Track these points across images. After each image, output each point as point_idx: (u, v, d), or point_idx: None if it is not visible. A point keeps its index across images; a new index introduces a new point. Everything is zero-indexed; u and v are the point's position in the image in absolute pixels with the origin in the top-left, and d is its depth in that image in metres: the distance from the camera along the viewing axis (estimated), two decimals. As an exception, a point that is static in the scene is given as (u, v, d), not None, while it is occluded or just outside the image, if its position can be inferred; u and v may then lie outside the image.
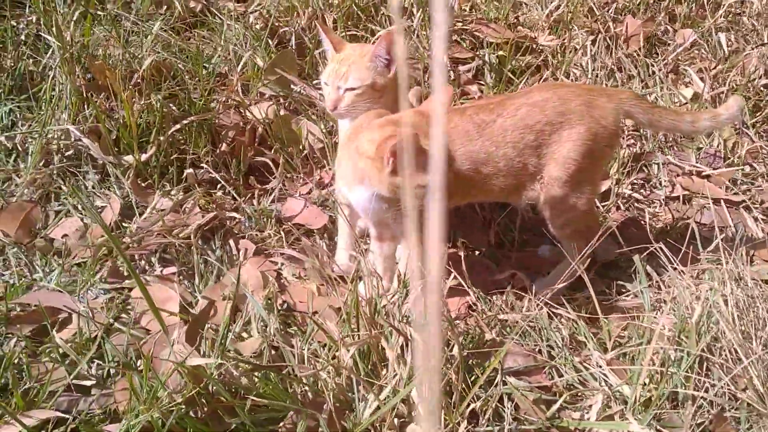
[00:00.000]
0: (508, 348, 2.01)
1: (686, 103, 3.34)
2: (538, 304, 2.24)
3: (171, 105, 2.82)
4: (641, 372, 1.87)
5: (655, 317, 2.07)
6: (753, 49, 3.48)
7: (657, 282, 2.40)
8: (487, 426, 1.81)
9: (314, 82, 3.14)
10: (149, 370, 1.82)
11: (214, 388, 1.78)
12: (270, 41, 3.22)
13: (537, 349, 2.15)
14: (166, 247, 2.51)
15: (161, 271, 2.45)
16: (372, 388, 1.79)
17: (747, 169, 3.04)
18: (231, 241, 2.57)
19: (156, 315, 1.88)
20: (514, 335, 2.13)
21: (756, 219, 2.81)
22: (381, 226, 2.29)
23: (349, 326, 1.93)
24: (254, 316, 2.21)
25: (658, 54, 3.60)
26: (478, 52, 3.38)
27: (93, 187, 2.72)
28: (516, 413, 1.94)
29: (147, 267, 2.48)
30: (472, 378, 1.93)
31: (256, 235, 2.64)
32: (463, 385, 1.84)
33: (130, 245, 2.48)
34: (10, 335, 2.17)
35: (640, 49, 3.54)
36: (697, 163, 3.05)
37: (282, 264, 2.54)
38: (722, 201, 2.85)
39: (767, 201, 2.87)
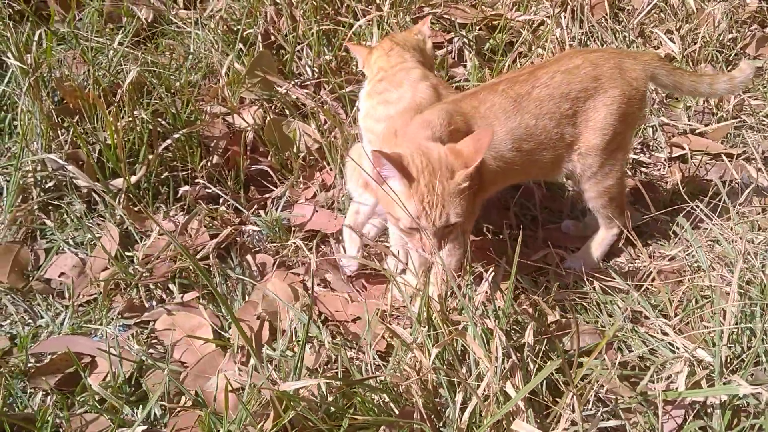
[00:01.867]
0: (580, 327, 1.94)
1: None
2: (589, 279, 2.18)
3: (159, 120, 2.62)
4: (722, 333, 1.82)
5: (721, 275, 2.03)
6: (716, 4, 3.52)
7: (686, 241, 2.39)
8: (588, 410, 1.73)
9: (297, 81, 3.00)
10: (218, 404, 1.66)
11: (294, 413, 1.63)
12: (242, 45, 3.05)
13: (599, 325, 2.09)
14: (180, 272, 2.32)
15: (182, 298, 2.27)
16: (459, 387, 1.69)
17: (736, 122, 3.07)
18: (249, 257, 2.41)
19: (247, 341, 1.76)
20: (575, 314, 2.06)
21: (759, 170, 2.83)
22: None
23: (420, 326, 1.81)
24: (296, 331, 2.07)
25: (621, 20, 3.61)
26: (454, 34, 3.30)
27: (81, 218, 2.49)
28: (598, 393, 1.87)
29: (165, 296, 2.29)
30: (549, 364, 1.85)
31: (271, 247, 2.48)
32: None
33: (144, 274, 2.28)
34: (33, 390, 1.96)
35: (606, 16, 3.54)
36: (689, 121, 3.07)
37: (305, 274, 2.39)
38: (723, 155, 2.86)
39: (766, 150, 2.90)
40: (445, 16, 3.41)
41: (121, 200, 2.51)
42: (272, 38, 3.20)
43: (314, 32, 3.09)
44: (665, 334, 2.01)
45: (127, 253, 2.38)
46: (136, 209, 2.54)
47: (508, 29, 3.34)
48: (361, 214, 2.39)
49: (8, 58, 2.63)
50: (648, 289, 2.23)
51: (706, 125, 3.04)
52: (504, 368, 1.66)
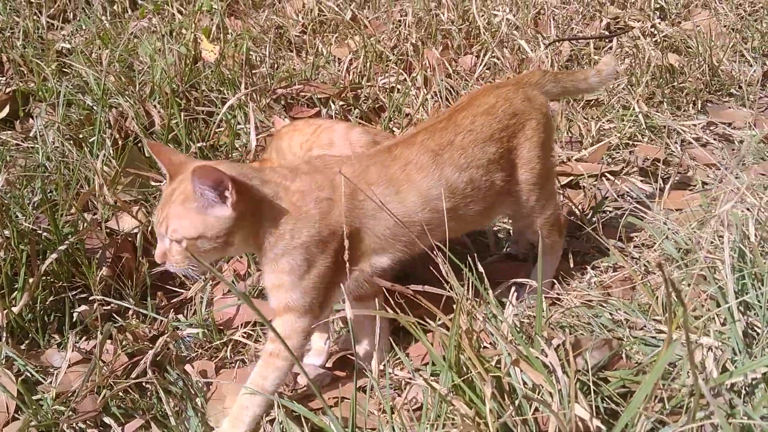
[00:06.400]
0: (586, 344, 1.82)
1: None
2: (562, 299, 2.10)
3: (37, 232, 2.20)
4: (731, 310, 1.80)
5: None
6: (545, 49, 3.75)
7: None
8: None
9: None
10: None
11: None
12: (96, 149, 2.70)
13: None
14: (112, 399, 1.89)
15: (122, 430, 1.83)
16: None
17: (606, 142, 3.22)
18: (187, 367, 2.03)
19: None
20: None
21: (641, 181, 2.98)
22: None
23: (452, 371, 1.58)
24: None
25: (464, 77, 3.72)
26: (320, 108, 3.19)
27: (-47, 373, 1.98)
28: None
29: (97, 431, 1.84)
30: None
31: (204, 352, 2.13)
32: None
33: (67, 415, 1.82)
34: None
35: (449, 76, 3.64)
36: (562, 150, 3.17)
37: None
38: (606, 174, 2.97)
39: (635, 162, 3.07)
40: (302, 93, 3.31)
41: (3, 338, 2.03)
42: (120, 142, 2.87)
43: (179, 124, 2.83)
44: (660, 331, 1.95)
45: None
46: (23, 347, 2.08)
47: (372, 96, 3.31)
48: None
49: None
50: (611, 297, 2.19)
51: (585, 149, 3.16)
52: (567, 390, 1.48)
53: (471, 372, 1.57)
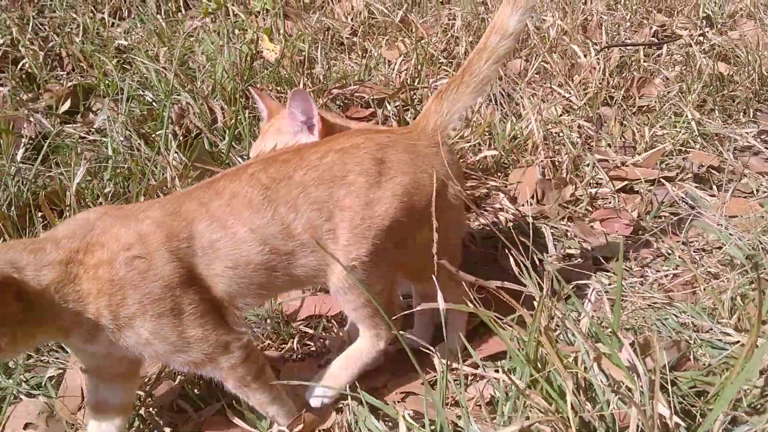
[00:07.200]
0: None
1: (561, 115, 3.49)
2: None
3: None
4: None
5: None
6: (596, 55, 3.77)
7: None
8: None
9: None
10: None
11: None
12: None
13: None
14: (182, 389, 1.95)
15: (199, 416, 1.89)
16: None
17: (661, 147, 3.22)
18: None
19: None
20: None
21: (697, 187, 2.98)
22: None
23: (529, 365, 1.62)
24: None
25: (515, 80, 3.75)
26: (375, 109, 3.24)
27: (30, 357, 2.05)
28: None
29: (174, 416, 1.89)
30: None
31: (269, 344, 2.18)
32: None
33: (144, 400, 1.88)
34: None
35: (500, 78, 3.67)
36: (615, 155, 3.18)
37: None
38: (661, 179, 2.98)
39: (690, 168, 3.08)
40: (356, 94, 3.36)
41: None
42: (180, 138, 2.94)
43: (242, 121, 2.90)
44: (726, 334, 1.97)
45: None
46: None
47: (425, 97, 3.36)
48: None
49: None
50: (675, 300, 2.21)
51: (639, 154, 3.17)
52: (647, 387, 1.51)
53: (548, 368, 1.61)
